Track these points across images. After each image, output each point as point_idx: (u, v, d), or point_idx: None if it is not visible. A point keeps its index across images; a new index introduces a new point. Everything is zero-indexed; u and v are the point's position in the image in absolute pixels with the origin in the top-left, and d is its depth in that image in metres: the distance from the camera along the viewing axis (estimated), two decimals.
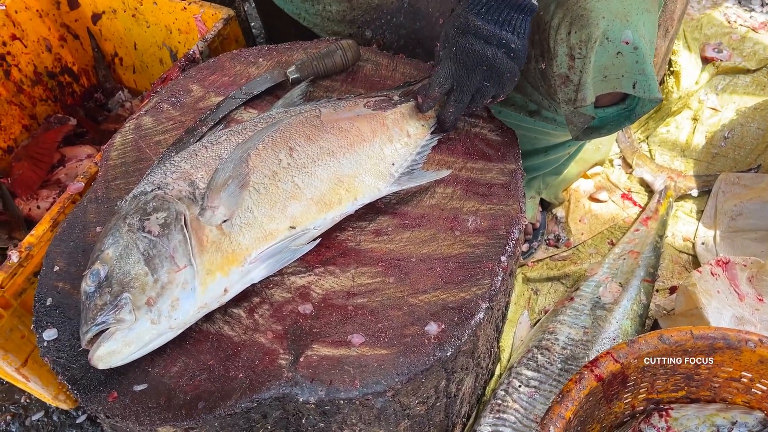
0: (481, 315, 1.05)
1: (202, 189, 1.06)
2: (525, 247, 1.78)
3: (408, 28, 1.54)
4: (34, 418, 1.65)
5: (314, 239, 1.10)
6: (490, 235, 1.14)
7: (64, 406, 1.59)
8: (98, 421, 1.61)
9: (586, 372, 1.12)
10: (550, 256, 1.77)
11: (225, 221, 1.03)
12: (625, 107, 1.19)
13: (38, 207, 1.83)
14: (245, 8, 1.93)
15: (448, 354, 1.01)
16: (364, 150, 1.15)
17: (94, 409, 1.00)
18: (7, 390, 1.70)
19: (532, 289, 1.71)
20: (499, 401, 1.43)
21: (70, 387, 1.02)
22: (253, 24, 2.03)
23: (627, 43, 1.07)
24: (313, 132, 1.15)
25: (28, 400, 1.68)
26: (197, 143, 1.17)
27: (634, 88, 1.10)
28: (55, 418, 1.65)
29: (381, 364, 0.99)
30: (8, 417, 1.66)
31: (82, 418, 1.63)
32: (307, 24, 1.59)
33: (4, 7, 1.81)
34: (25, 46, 1.89)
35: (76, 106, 2.08)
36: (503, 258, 1.11)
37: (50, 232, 1.31)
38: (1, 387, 1.71)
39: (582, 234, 1.80)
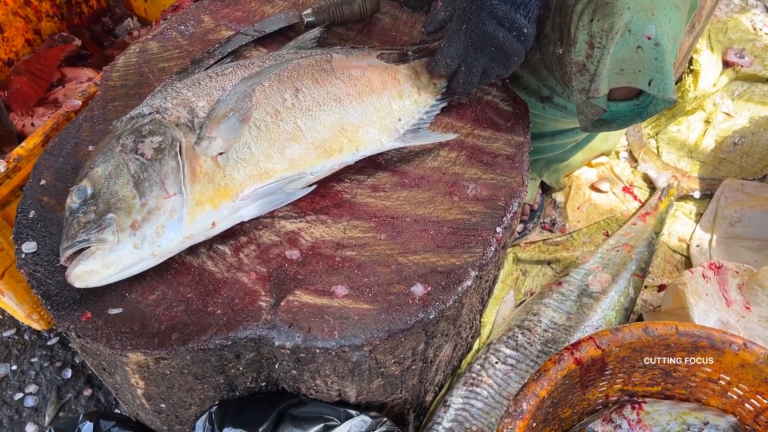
0: (469, 282, 1.03)
1: (201, 118, 1.02)
2: (520, 227, 1.76)
3: None
4: (5, 334, 1.63)
5: (310, 185, 1.07)
6: (489, 204, 1.11)
7: (36, 326, 1.57)
8: (69, 345, 1.60)
9: (566, 354, 1.10)
10: (544, 240, 1.75)
11: (221, 154, 1.00)
12: (638, 104, 1.16)
13: (32, 124, 1.79)
14: None
15: (431, 317, 1.00)
16: (371, 101, 1.12)
17: (66, 327, 0.98)
18: None
19: (521, 270, 1.70)
20: (474, 375, 1.42)
21: (43, 302, 1.00)
22: None
23: (649, 38, 1.04)
24: (322, 76, 1.11)
25: (0, 316, 1.66)
26: (202, 72, 1.13)
27: (649, 85, 1.07)
28: (26, 337, 1.63)
29: (362, 318, 0.98)
30: None
31: (54, 340, 1.62)
32: None
33: None
34: None
35: (82, 28, 2.03)
36: (499, 229, 1.08)
37: (41, 146, 1.28)
38: None
39: (578, 222, 1.78)
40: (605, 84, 1.08)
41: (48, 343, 1.62)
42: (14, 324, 1.64)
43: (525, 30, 1.06)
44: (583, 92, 1.11)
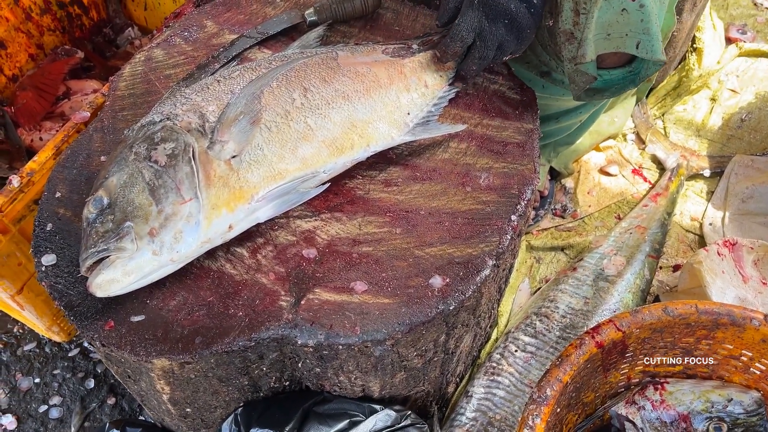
0: (487, 272, 1.03)
1: (212, 122, 1.03)
2: (531, 214, 1.76)
3: None
4: (26, 348, 1.65)
5: (323, 183, 1.08)
6: (502, 193, 1.12)
7: (56, 338, 1.59)
8: (91, 355, 1.61)
9: (587, 338, 1.11)
10: (556, 226, 1.75)
11: (234, 157, 1.01)
12: (631, 70, 1.16)
13: (40, 138, 1.80)
14: None
15: (451, 308, 1.00)
16: (379, 96, 1.13)
17: (90, 337, 0.99)
18: (0, 319, 1.69)
19: (534, 257, 1.70)
20: (494, 364, 1.43)
21: (66, 313, 1.01)
22: None
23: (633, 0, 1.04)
24: (329, 74, 1.12)
25: (21, 330, 1.67)
26: (209, 77, 1.14)
27: (637, 48, 1.07)
28: (47, 349, 1.65)
29: (383, 313, 0.98)
30: (0, 346, 1.65)
31: (75, 351, 1.63)
32: None
33: None
34: None
35: (84, 40, 2.03)
36: (513, 217, 1.09)
37: (53, 159, 1.29)
38: None
39: (589, 206, 1.78)
40: (592, 49, 1.08)
41: (69, 355, 1.63)
42: (35, 337, 1.66)
43: (535, 1, 1.06)
44: (572, 61, 1.11)
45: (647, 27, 1.05)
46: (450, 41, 1.14)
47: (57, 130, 1.80)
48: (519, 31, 1.09)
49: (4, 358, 1.64)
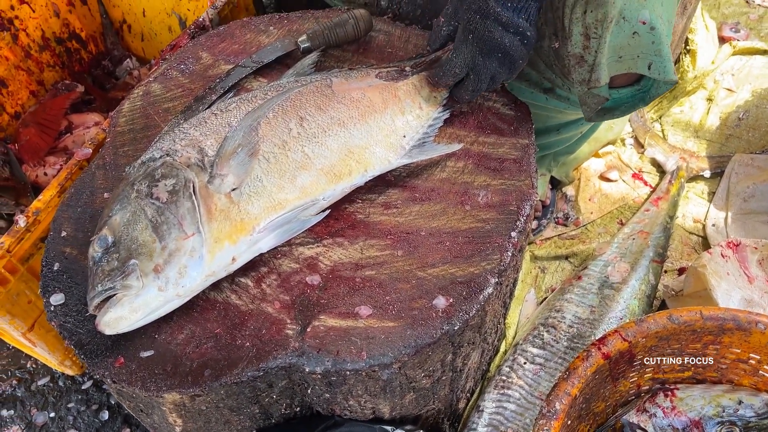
0: (489, 290, 1.04)
1: (211, 156, 1.04)
2: (534, 224, 1.77)
3: None
4: (39, 383, 1.66)
5: (323, 210, 1.09)
6: (501, 210, 1.13)
7: (69, 372, 1.60)
8: (104, 387, 1.62)
9: (593, 349, 1.11)
10: (559, 235, 1.75)
11: (234, 190, 1.02)
12: (640, 89, 1.17)
13: (45, 174, 1.82)
14: None
15: (456, 328, 1.01)
16: (375, 121, 1.14)
17: (100, 374, 1.01)
18: (13, 355, 1.71)
19: (539, 267, 1.70)
20: (504, 377, 1.43)
21: (77, 352, 1.02)
22: None
23: (644, 23, 1.05)
24: (324, 101, 1.13)
25: (34, 366, 1.69)
26: (206, 110, 1.15)
27: (649, 69, 1.08)
28: (60, 383, 1.66)
29: (388, 336, 0.99)
30: (14, 381, 1.67)
31: (88, 384, 1.64)
32: None
33: None
34: (33, 11, 1.87)
35: (83, 73, 2.06)
36: (513, 234, 1.09)
37: (57, 197, 1.30)
38: (8, 352, 1.72)
39: (591, 213, 1.79)
40: (605, 73, 1.09)
41: (83, 387, 1.64)
42: (48, 372, 1.67)
43: (528, 33, 1.08)
44: (584, 83, 1.12)
45: (659, 48, 1.06)
46: (443, 75, 1.16)
47: (61, 165, 1.82)
48: (512, 63, 1.11)
49: (19, 394, 1.65)
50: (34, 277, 1.35)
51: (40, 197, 1.30)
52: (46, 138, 1.86)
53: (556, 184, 1.83)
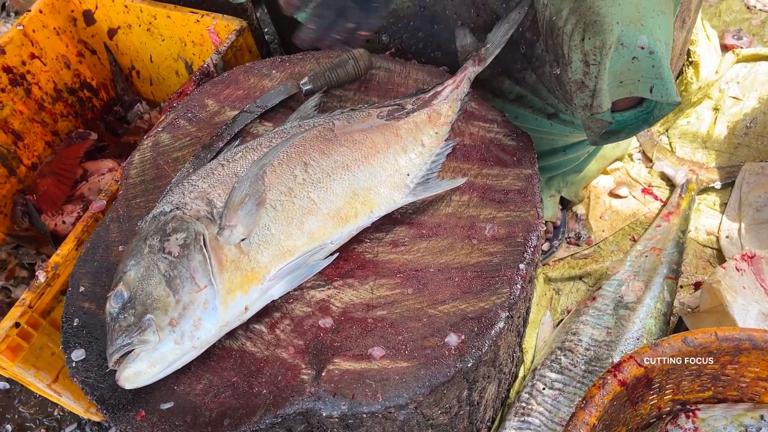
0: (501, 325, 1.05)
1: (219, 208, 1.07)
2: (546, 246, 1.77)
3: (425, 31, 1.53)
4: (67, 430, 1.69)
5: (332, 253, 1.11)
6: (508, 242, 1.13)
7: (95, 419, 1.63)
8: None
9: (609, 377, 1.11)
10: (572, 255, 1.75)
11: (243, 240, 1.04)
12: (643, 110, 1.17)
13: (63, 222, 1.86)
14: (258, 14, 1.93)
15: (469, 365, 1.01)
16: (378, 162, 1.16)
17: (123, 428, 1.03)
18: (41, 403, 1.74)
19: (553, 289, 1.70)
20: (524, 404, 1.43)
21: (99, 406, 1.04)
22: (266, 30, 2.03)
23: (642, 48, 1.05)
24: (327, 146, 1.15)
25: (61, 413, 1.72)
26: (213, 161, 1.18)
27: (651, 92, 1.08)
28: (87, 429, 1.69)
29: (402, 377, 1.00)
30: (42, 430, 1.70)
31: (114, 430, 1.67)
32: None
33: (21, 27, 1.84)
34: (44, 64, 1.92)
35: (96, 120, 2.11)
36: (522, 266, 1.10)
37: (75, 250, 1.34)
38: (35, 400, 1.75)
39: (603, 231, 1.78)
40: (607, 98, 1.09)
41: None
42: (75, 419, 1.70)
43: None
44: (586, 108, 1.13)
45: (659, 72, 1.06)
46: None
47: (78, 213, 1.87)
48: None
49: None
50: (56, 329, 1.38)
51: (58, 251, 1.34)
52: (62, 187, 1.91)
53: (566, 204, 1.83)
